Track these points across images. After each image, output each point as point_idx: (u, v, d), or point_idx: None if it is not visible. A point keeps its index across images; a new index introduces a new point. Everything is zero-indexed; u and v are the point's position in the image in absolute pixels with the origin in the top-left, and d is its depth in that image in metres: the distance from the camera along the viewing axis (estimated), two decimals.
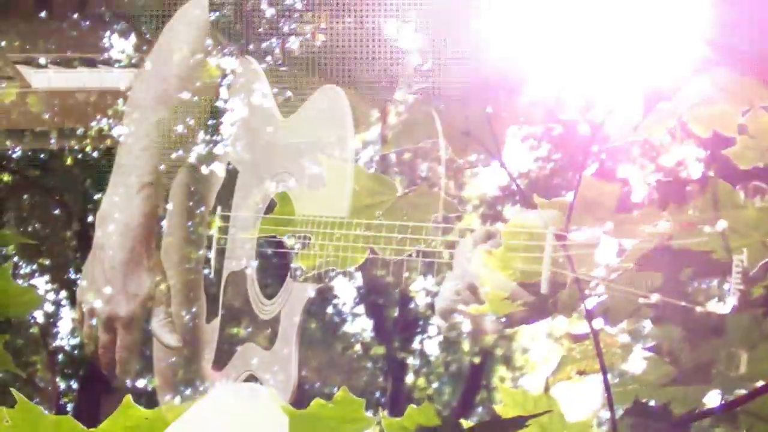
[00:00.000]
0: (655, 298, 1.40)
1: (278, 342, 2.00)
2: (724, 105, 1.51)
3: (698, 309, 1.40)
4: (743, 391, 1.53)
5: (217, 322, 2.16)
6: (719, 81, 1.43)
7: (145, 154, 2.08)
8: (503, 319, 1.50)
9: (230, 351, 2.12)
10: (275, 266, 2.10)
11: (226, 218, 2.17)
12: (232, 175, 2.19)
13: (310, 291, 1.98)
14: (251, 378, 2.09)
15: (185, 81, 2.14)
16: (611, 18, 1.29)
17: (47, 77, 2.55)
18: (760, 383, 1.51)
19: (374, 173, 1.63)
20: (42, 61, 2.61)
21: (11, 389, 1.27)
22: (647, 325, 1.54)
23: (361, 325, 4.18)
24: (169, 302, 2.06)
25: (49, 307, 3.49)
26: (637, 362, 1.61)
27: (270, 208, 2.13)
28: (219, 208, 2.20)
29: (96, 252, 2.05)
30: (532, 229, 1.48)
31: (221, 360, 2.14)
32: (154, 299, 2.04)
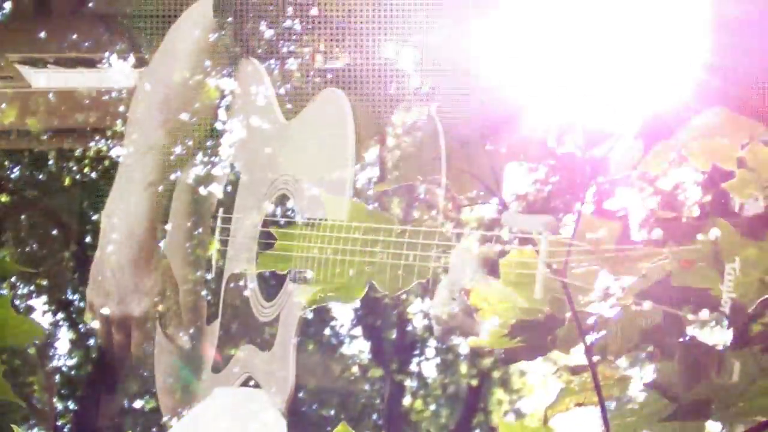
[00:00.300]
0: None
1: (277, 344, 2.00)
2: (722, 138, 1.51)
3: (691, 325, 1.40)
4: (743, 427, 1.52)
5: (217, 324, 2.17)
6: (718, 116, 1.43)
7: (149, 153, 2.08)
8: (502, 355, 1.50)
9: (229, 353, 2.13)
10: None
11: (227, 220, 2.18)
12: (234, 176, 2.19)
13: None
14: (250, 380, 2.09)
15: (193, 69, 2.14)
16: (611, 54, 1.29)
17: (47, 77, 2.55)
18: (759, 418, 1.51)
19: (374, 210, 1.63)
20: (42, 61, 2.61)
21: (12, 426, 1.26)
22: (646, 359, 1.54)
23: (358, 347, 4.17)
24: (179, 308, 2.07)
25: (46, 327, 3.48)
26: (635, 395, 1.61)
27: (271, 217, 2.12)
28: (221, 210, 2.19)
29: (102, 252, 2.05)
30: (529, 260, 1.48)
31: (220, 362, 2.15)
32: (165, 296, 2.04)
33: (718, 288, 1.37)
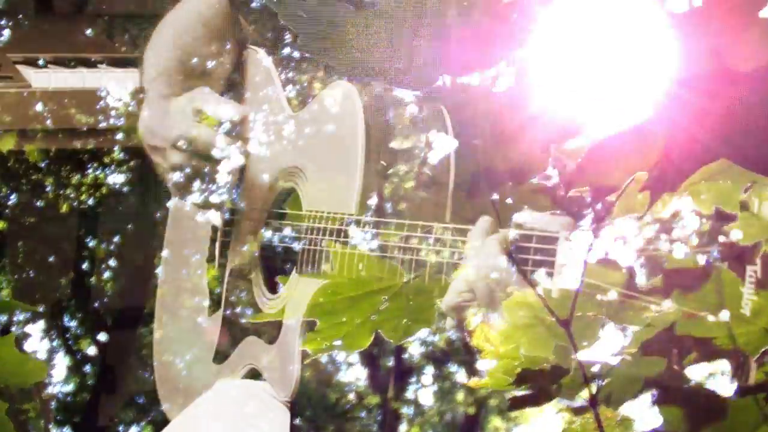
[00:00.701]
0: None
1: (281, 337, 1.98)
2: (725, 182, 1.52)
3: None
4: None
5: (219, 315, 2.15)
6: (720, 165, 1.44)
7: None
8: (507, 402, 1.50)
9: (233, 344, 2.11)
10: (280, 260, 2.09)
11: (232, 211, 2.17)
12: (239, 169, 2.16)
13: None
14: (252, 372, 2.07)
15: (209, 20, 2.16)
16: (617, 107, 1.30)
17: (47, 77, 2.55)
18: None
19: (380, 258, 1.64)
20: (42, 61, 2.61)
21: None
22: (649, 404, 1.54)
23: (355, 374, 4.17)
24: None
25: (42, 355, 3.48)
26: None
27: (277, 202, 2.12)
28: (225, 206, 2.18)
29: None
30: (533, 303, 1.48)
31: (223, 354, 2.13)
32: None
33: (723, 337, 1.38)
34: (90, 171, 3.08)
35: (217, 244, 2.18)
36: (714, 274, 1.34)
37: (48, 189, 3.25)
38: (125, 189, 3.20)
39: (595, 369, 1.41)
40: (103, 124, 2.65)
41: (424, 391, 4.35)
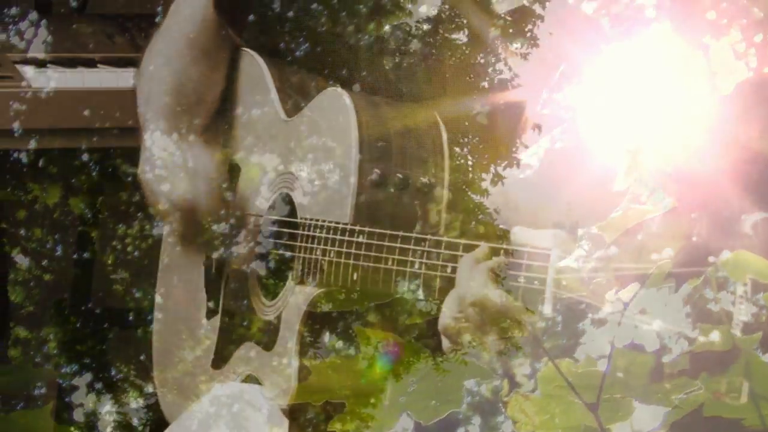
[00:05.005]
0: None
1: (279, 344, 1.98)
2: (760, 253, 1.50)
3: None
4: None
5: (217, 320, 2.15)
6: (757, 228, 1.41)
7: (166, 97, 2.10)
8: None
9: (230, 350, 2.10)
10: (276, 267, 2.08)
11: (228, 218, 2.15)
12: (235, 172, 2.17)
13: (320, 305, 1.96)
14: (250, 378, 2.07)
15: (200, 40, 2.14)
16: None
17: (47, 77, 2.55)
18: None
19: (375, 269, 1.64)
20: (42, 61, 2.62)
21: None
22: None
23: (402, 425, 4.12)
24: None
25: (90, 407, 3.48)
26: None
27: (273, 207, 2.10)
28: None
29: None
30: (567, 374, 1.46)
31: (220, 359, 2.12)
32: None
33: (751, 417, 1.35)
34: (136, 223, 3.08)
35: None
36: (741, 356, 1.31)
37: (94, 242, 3.26)
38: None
39: None
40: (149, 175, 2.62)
41: None
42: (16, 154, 2.63)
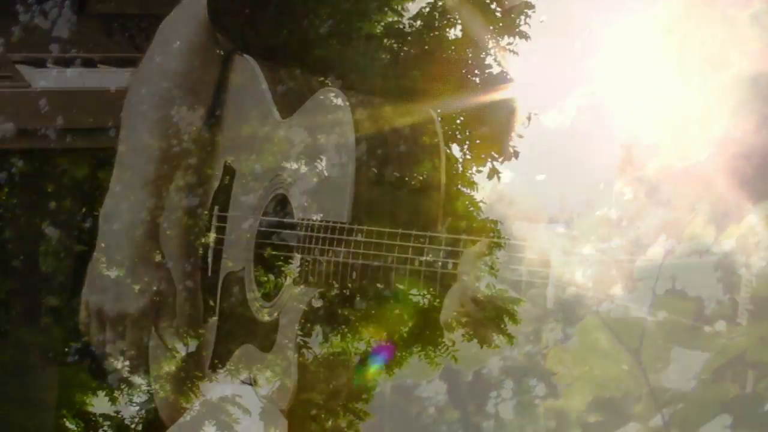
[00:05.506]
0: None
1: (277, 346, 1.95)
2: None
3: None
4: None
5: (214, 322, 2.11)
6: None
7: (147, 149, 2.02)
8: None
9: (228, 352, 2.08)
10: (273, 268, 2.04)
11: (222, 218, 2.13)
12: (229, 174, 2.13)
13: (315, 302, 1.93)
14: (249, 379, 2.04)
15: (186, 76, 2.07)
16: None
17: (47, 77, 2.52)
18: None
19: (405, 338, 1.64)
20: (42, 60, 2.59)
21: None
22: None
23: (435, 389, 4.15)
24: (175, 307, 2.03)
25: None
26: None
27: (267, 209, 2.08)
28: (216, 209, 2.14)
29: (101, 251, 2.00)
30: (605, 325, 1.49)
31: (219, 361, 2.10)
32: (162, 296, 2.01)
33: None
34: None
35: (210, 252, 2.16)
36: None
37: None
38: None
39: (667, 396, 1.41)
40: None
41: (503, 404, 4.31)
42: (43, 130, 2.62)
